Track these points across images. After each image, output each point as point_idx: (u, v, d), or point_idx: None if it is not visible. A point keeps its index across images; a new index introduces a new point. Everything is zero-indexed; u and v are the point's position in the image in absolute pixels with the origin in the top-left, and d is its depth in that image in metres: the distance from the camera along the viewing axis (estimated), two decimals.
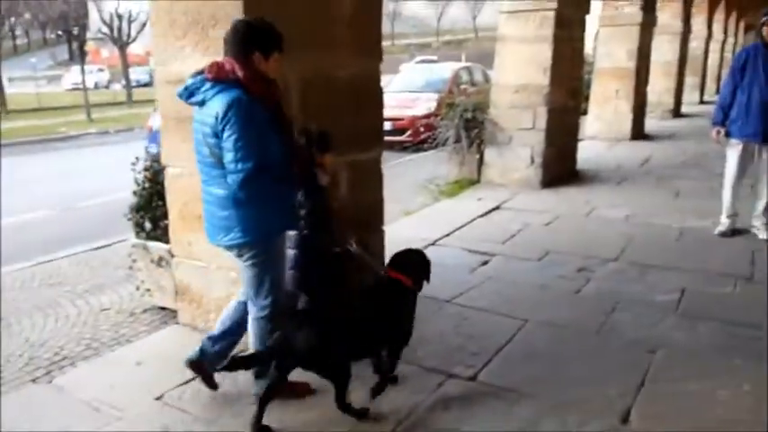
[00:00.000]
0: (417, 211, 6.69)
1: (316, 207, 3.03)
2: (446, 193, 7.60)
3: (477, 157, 7.85)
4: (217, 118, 2.48)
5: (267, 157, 2.55)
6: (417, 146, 11.15)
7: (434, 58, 37.85)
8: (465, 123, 7.79)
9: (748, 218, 5.47)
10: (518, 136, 7.47)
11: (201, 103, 2.59)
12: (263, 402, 2.64)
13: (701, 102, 18.01)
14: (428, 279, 3.08)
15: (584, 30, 8.06)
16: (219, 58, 3.16)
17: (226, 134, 2.47)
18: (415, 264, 3.06)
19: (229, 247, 2.74)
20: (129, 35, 33.51)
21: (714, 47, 19.82)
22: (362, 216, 4.09)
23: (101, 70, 44.73)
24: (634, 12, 10.67)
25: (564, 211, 6.33)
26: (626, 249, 5.11)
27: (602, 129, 11.25)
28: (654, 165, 8.92)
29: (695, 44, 17.11)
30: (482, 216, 6.20)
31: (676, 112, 14.85)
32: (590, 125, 11.41)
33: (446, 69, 14.33)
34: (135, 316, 4.17)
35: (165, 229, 3.87)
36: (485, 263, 4.88)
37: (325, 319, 2.77)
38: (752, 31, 29.24)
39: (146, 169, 4.08)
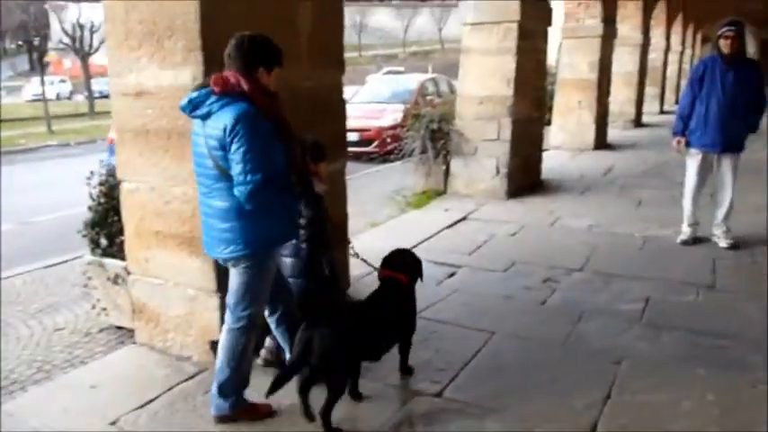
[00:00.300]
0: (384, 222, 6.64)
1: (315, 216, 3.11)
2: (413, 205, 7.58)
3: (444, 167, 7.86)
4: (225, 130, 2.49)
5: (272, 168, 2.57)
6: (384, 157, 11.15)
7: (401, 69, 38.05)
8: (431, 134, 7.78)
9: (709, 226, 5.56)
10: (483, 147, 7.49)
11: (206, 116, 2.58)
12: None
13: (661, 112, 18.41)
14: (422, 277, 3.23)
15: (546, 41, 8.16)
16: (173, 69, 3.10)
17: (234, 146, 2.49)
18: (407, 262, 3.21)
19: (228, 260, 2.74)
20: (91, 45, 32.88)
21: (672, 58, 20.31)
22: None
23: (63, 81, 43.74)
24: (595, 24, 10.85)
25: (529, 222, 6.35)
26: (590, 259, 5.14)
27: (565, 139, 11.38)
28: (616, 174, 9.04)
29: (654, 55, 17.49)
30: (449, 227, 6.18)
31: (637, 122, 15.14)
32: (554, 135, 11.55)
33: (412, 80, 14.39)
34: (90, 336, 4.02)
35: (122, 245, 3.75)
36: (452, 275, 4.85)
37: (339, 327, 2.77)
38: (708, 43, 30.07)
39: (101, 184, 3.95)
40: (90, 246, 4.01)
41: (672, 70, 20.85)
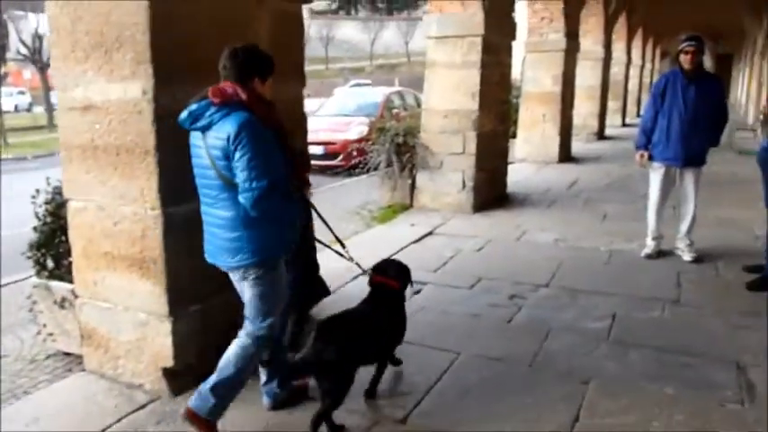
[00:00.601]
0: (349, 238, 6.49)
1: (308, 222, 3.23)
2: (379, 219, 7.47)
3: (410, 181, 7.78)
4: (228, 139, 2.52)
5: (276, 174, 2.59)
6: (349, 170, 11.01)
7: (368, 81, 38.11)
8: (396, 148, 7.70)
9: (673, 239, 5.57)
10: (449, 160, 7.44)
11: (207, 127, 2.61)
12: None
13: (624, 124, 18.74)
14: (411, 283, 3.32)
15: (510, 55, 8.18)
16: (122, 82, 2.95)
17: (238, 154, 2.51)
18: (397, 269, 3.28)
19: (236, 269, 2.74)
20: (50, 56, 32.15)
21: (634, 72, 20.74)
22: None
23: (22, 93, 42.64)
24: (558, 38, 10.96)
25: (495, 236, 6.30)
26: (556, 274, 5.09)
27: (530, 152, 11.44)
28: (581, 187, 9.09)
29: (616, 69, 17.81)
30: (415, 242, 6.09)
31: (600, 135, 15.34)
32: (519, 148, 11.60)
33: (378, 93, 14.32)
34: (36, 363, 3.80)
35: (70, 267, 3.55)
36: (417, 292, 4.74)
37: (344, 331, 2.86)
38: (667, 58, 30.85)
39: (47, 202, 3.74)
40: (36, 268, 3.80)
41: (633, 84, 21.29)
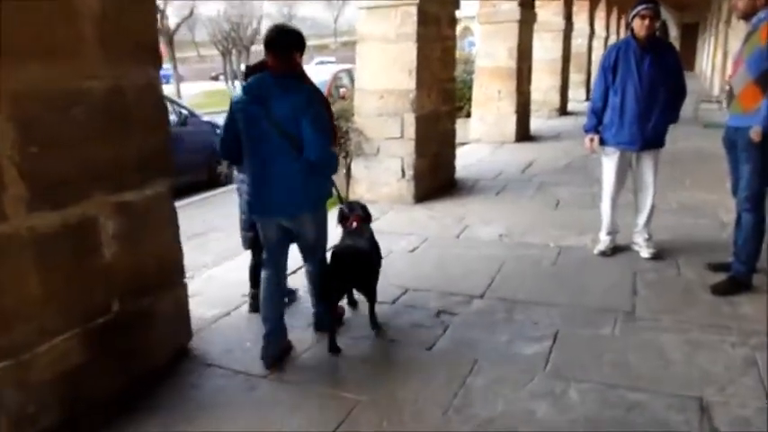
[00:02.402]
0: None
1: None
2: None
3: (344, 171, 7.00)
4: (300, 105, 2.97)
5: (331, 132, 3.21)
6: None
7: (333, 59, 37.04)
8: (341, 135, 6.90)
9: (630, 231, 4.91)
10: (386, 146, 6.68)
11: (270, 96, 3.00)
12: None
13: (588, 99, 18.06)
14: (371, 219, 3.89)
15: (454, 27, 7.41)
16: None
17: (309, 117, 2.97)
18: (362, 207, 3.84)
19: (294, 216, 3.19)
20: None
21: (597, 44, 20.03)
22: (146, 273, 3.11)
23: None
24: (512, 8, 10.18)
25: (433, 233, 5.57)
26: (495, 280, 4.39)
27: (486, 131, 10.73)
28: (536, 170, 8.40)
29: (579, 41, 17.14)
30: None
31: (563, 111, 14.68)
32: (474, 128, 10.89)
33: (325, 72, 13.45)
34: None
35: None
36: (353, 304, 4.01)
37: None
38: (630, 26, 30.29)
39: None
40: None
41: (597, 56, 20.53)
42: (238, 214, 3.91)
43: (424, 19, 6.49)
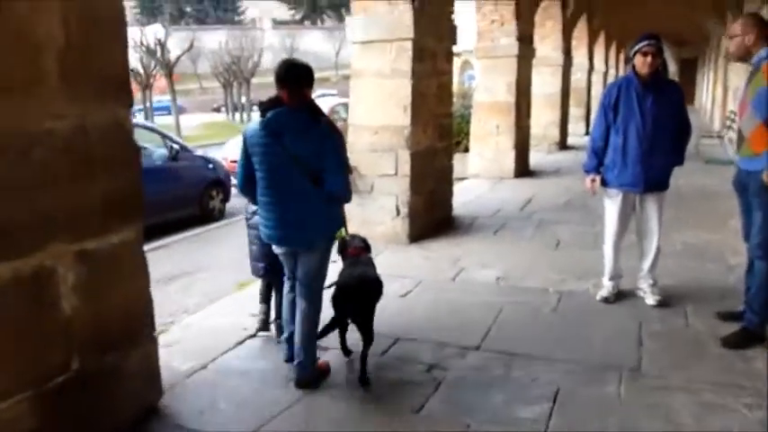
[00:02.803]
0: (247, 284, 5.47)
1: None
2: None
3: None
4: (317, 139, 3.07)
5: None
6: None
7: (334, 92, 37.11)
8: None
9: (634, 276, 4.66)
10: (380, 183, 6.47)
11: (286, 129, 3.07)
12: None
13: (587, 133, 17.95)
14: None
15: (451, 62, 7.26)
16: None
17: (330, 151, 3.09)
18: (361, 240, 3.96)
19: (307, 244, 3.28)
20: None
21: (596, 78, 20.05)
22: (111, 327, 2.86)
23: None
24: (510, 43, 10.08)
25: (427, 275, 5.32)
26: (491, 330, 4.13)
27: (484, 166, 10.55)
28: (536, 206, 8.19)
29: (579, 75, 17.11)
30: (329, 288, 5.07)
31: (563, 145, 14.54)
32: (472, 163, 10.72)
33: (322, 105, 13.30)
34: None
35: None
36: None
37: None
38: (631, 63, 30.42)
39: None
40: None
41: (596, 90, 20.54)
42: (248, 245, 3.94)
43: (420, 54, 6.34)
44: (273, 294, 4.01)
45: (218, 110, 45.65)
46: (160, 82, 34.29)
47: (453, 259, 5.78)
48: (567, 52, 14.30)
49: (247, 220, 3.86)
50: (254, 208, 3.60)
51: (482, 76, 10.39)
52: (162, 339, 4.04)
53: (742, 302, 3.96)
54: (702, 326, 4.12)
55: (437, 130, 6.92)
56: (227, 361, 3.79)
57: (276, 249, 3.41)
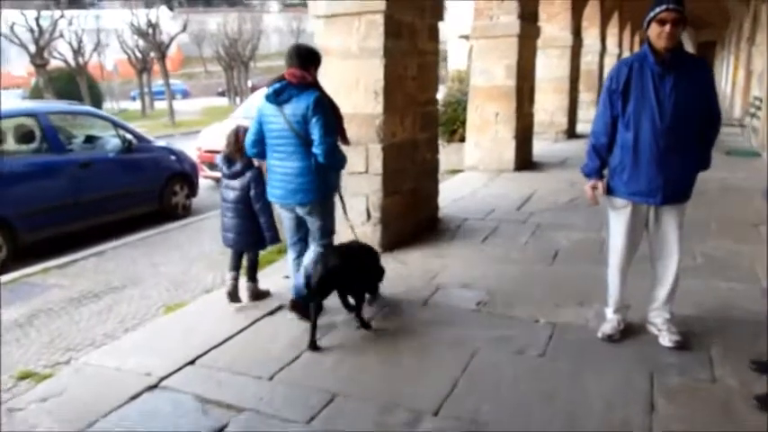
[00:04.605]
0: (187, 303, 4.57)
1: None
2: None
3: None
4: (308, 108, 3.54)
5: (336, 133, 3.75)
6: None
7: None
8: None
9: (643, 304, 3.71)
10: (349, 182, 5.48)
11: (287, 101, 3.59)
12: (314, 324, 3.65)
13: None
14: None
15: (436, 40, 6.25)
16: None
17: (315, 119, 3.54)
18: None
19: (306, 204, 3.76)
20: None
21: (609, 61, 18.82)
22: None
23: None
24: (511, 21, 9.03)
25: (395, 297, 4.38)
26: (459, 383, 3.19)
27: (482, 158, 9.55)
28: (534, 206, 7.20)
29: (589, 58, 15.99)
30: (269, 314, 4.16)
31: (571, 133, 13.48)
32: (469, 154, 9.74)
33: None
34: None
35: None
36: (220, 430, 2.84)
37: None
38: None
39: None
40: None
41: None
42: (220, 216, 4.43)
43: (396, 30, 5.36)
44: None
45: (222, 94, 44.79)
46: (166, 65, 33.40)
47: (430, 275, 4.84)
48: (577, 33, 13.19)
49: (228, 190, 4.24)
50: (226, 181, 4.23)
51: (479, 59, 9.35)
52: (40, 389, 3.18)
53: None
54: (733, 379, 3.17)
55: (418, 119, 5.94)
56: (108, 427, 2.89)
57: (280, 210, 3.96)
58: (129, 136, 7.61)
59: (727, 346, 3.50)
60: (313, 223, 3.87)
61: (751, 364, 3.25)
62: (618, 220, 3.53)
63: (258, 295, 4.41)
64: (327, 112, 3.63)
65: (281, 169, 3.71)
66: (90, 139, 7.77)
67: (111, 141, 7.57)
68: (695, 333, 3.66)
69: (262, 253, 5.94)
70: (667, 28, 3.14)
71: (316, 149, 3.58)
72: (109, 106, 33.47)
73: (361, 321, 3.87)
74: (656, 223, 3.49)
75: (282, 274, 4.92)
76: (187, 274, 5.42)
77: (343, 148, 5.36)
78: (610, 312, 3.71)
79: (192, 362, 3.47)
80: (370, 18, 5.22)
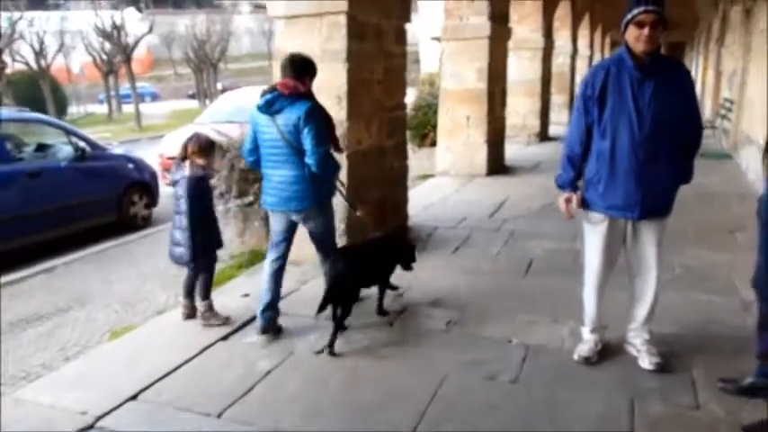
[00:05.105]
0: (135, 327, 4.24)
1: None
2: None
3: (263, 221, 5.56)
4: (300, 119, 3.55)
5: (328, 143, 3.71)
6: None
7: None
8: (241, 175, 5.49)
9: (620, 324, 3.49)
10: None
11: (278, 111, 3.61)
12: (336, 331, 3.64)
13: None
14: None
15: (403, 42, 5.99)
16: None
17: (306, 129, 3.55)
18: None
19: (301, 211, 3.76)
20: None
21: (581, 63, 18.84)
22: None
23: None
24: (481, 23, 8.83)
25: (357, 318, 4.10)
26: (427, 414, 2.93)
27: (453, 162, 9.33)
28: (507, 213, 7.00)
29: (561, 60, 15.91)
30: (223, 339, 3.85)
31: (543, 136, 13.34)
32: (440, 159, 9.51)
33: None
34: None
35: None
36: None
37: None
38: (618, 48, 29.08)
39: None
40: None
41: (581, 77, 19.41)
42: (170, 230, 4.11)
43: (360, 32, 5.10)
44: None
45: (193, 96, 44.09)
46: (134, 68, 32.62)
47: (398, 291, 4.57)
48: (549, 34, 13.07)
49: (176, 200, 3.97)
50: (180, 191, 3.92)
51: (449, 61, 9.13)
52: None
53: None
54: (718, 407, 2.96)
55: (385, 125, 5.68)
56: None
57: (272, 216, 3.91)
58: (82, 143, 7.22)
59: (709, 366, 3.31)
60: (312, 230, 3.89)
61: (735, 388, 3.04)
62: (594, 236, 3.30)
63: (212, 317, 4.08)
64: (319, 121, 3.63)
65: (275, 177, 3.74)
66: (42, 148, 7.37)
67: (64, 149, 7.18)
68: (676, 353, 3.45)
69: (221, 267, 5.67)
70: (646, 31, 2.93)
71: (308, 159, 3.58)
72: (75, 110, 32.68)
73: (380, 309, 4.12)
74: (633, 238, 3.27)
75: (241, 292, 4.62)
76: (140, 293, 5.09)
77: None
78: (586, 332, 3.48)
79: (134, 396, 3.16)
80: (332, 19, 4.95)
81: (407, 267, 4.25)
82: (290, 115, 3.56)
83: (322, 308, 3.59)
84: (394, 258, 4.17)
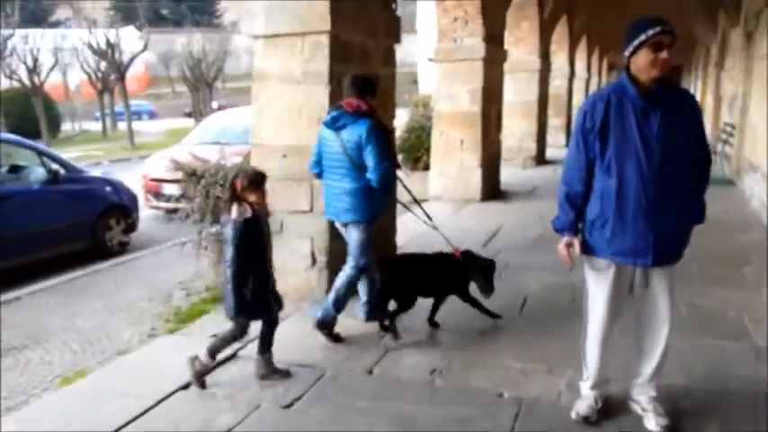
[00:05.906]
0: (91, 371, 3.86)
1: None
2: (183, 316, 4.86)
3: None
4: (362, 136, 3.80)
5: (389, 160, 3.96)
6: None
7: None
8: (216, 203, 5.15)
9: (622, 374, 3.13)
10: (292, 222, 4.92)
11: (342, 127, 3.87)
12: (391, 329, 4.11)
13: (568, 144, 16.56)
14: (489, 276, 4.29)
15: (392, 64, 5.70)
16: None
17: (369, 147, 3.79)
18: (482, 266, 4.33)
19: (352, 223, 3.99)
20: None
21: (578, 85, 18.66)
22: None
23: None
24: (476, 44, 8.57)
25: (334, 365, 3.73)
26: None
27: (446, 187, 9.02)
28: (501, 242, 6.66)
29: (558, 82, 15.71)
30: (184, 389, 3.47)
31: (540, 159, 13.08)
32: (433, 183, 9.19)
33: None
34: None
35: None
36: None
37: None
38: (615, 71, 29.02)
39: None
40: None
41: (578, 99, 19.18)
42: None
43: (344, 52, 4.80)
44: None
45: (189, 115, 43.87)
46: (132, 86, 32.46)
47: (379, 333, 4.21)
48: (545, 56, 12.86)
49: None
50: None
51: (443, 83, 8.86)
52: None
53: None
54: None
55: None
56: None
57: (338, 227, 4.17)
58: (55, 165, 6.88)
59: (722, 427, 2.94)
60: (353, 239, 4.01)
61: None
62: (599, 284, 2.94)
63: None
64: (380, 139, 3.83)
65: (335, 189, 3.96)
66: (15, 169, 7.02)
67: (37, 171, 6.84)
68: (685, 411, 3.09)
69: (194, 300, 5.31)
70: (664, 53, 2.61)
71: (370, 175, 3.80)
72: (69, 127, 32.40)
73: (431, 320, 4.33)
74: (642, 287, 2.91)
75: (210, 332, 4.25)
76: (104, 329, 4.72)
77: (284, 182, 4.89)
78: (586, 388, 3.12)
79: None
80: (314, 39, 4.65)
81: (484, 290, 4.25)
82: (353, 132, 3.81)
83: (379, 304, 4.09)
84: (451, 275, 4.24)
